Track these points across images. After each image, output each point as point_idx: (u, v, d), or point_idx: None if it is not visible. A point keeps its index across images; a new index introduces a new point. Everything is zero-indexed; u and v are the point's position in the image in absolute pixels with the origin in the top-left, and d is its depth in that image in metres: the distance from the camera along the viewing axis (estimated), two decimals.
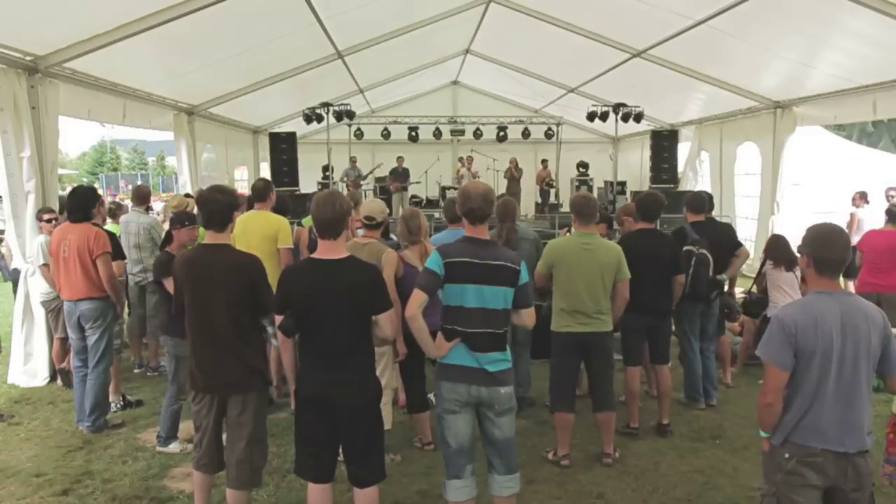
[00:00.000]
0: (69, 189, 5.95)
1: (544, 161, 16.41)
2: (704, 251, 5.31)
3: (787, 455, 2.66)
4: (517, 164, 16.15)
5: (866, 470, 2.62)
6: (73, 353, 5.33)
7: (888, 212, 6.40)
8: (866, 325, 2.58)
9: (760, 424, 2.78)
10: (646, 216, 5.17)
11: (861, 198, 9.58)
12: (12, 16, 5.71)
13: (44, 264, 5.74)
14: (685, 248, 5.33)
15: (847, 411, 2.58)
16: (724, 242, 5.67)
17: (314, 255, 3.24)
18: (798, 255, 3.15)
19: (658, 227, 5.36)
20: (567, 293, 4.42)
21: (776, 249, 6.09)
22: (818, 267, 2.65)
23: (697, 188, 13.31)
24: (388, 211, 4.67)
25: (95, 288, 5.08)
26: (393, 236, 5.52)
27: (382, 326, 3.20)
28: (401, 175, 15.72)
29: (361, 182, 15.11)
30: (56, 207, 6.27)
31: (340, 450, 3.24)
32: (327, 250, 3.15)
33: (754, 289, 6.58)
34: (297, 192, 13.11)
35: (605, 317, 4.45)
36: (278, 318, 3.17)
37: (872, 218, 9.03)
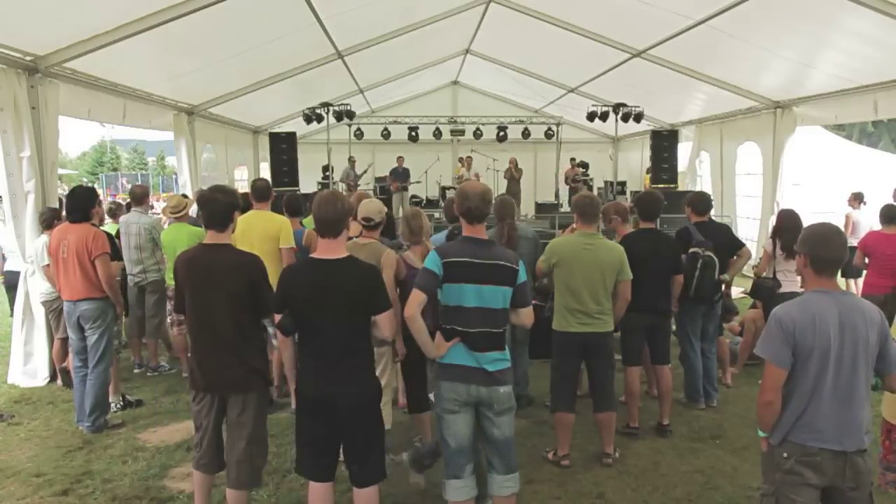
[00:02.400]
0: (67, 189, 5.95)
1: (573, 159, 16.29)
2: (710, 253, 5.29)
3: (785, 454, 2.66)
4: (517, 164, 16.14)
5: (864, 469, 2.62)
6: (74, 353, 5.33)
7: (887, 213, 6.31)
8: (864, 324, 2.58)
9: (759, 424, 2.78)
10: (646, 216, 5.16)
11: (855, 199, 9.55)
12: (12, 16, 5.72)
13: (48, 265, 5.74)
14: (691, 249, 5.31)
15: (845, 410, 2.58)
16: (725, 243, 5.65)
17: (314, 255, 3.25)
18: (796, 253, 3.14)
19: (658, 227, 5.35)
20: (568, 292, 4.41)
21: (789, 230, 5.61)
22: (816, 266, 2.65)
23: (698, 188, 13.31)
24: (385, 211, 4.66)
25: (95, 288, 5.08)
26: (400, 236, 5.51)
27: (381, 327, 3.19)
28: (401, 175, 15.72)
29: (359, 183, 15.10)
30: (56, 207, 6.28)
31: (341, 449, 3.24)
32: (327, 250, 3.15)
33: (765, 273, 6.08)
34: (298, 193, 13.10)
35: (607, 317, 4.44)
36: (277, 317, 3.17)
37: (868, 219, 9.02)
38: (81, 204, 5.13)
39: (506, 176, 16.08)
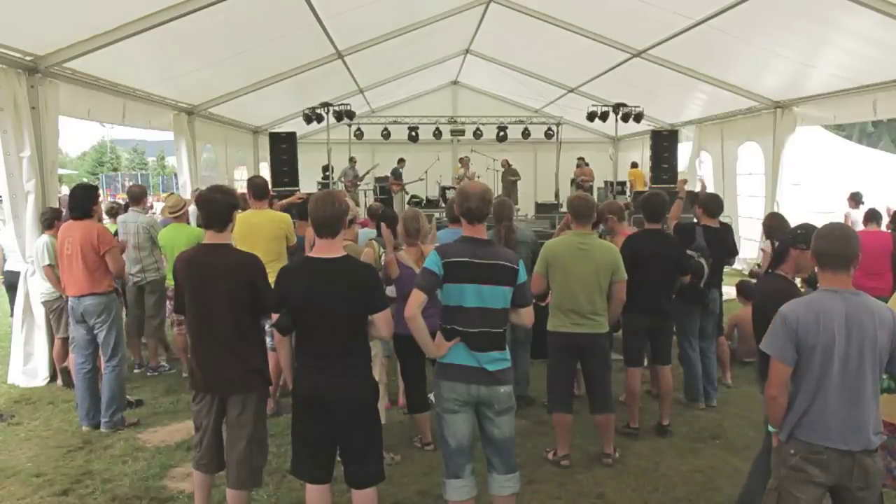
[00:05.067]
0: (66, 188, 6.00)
1: (581, 159, 16.26)
2: (702, 261, 5.27)
3: (792, 451, 2.67)
4: (509, 164, 16.13)
5: (874, 469, 2.61)
6: (77, 349, 5.28)
7: (871, 213, 6.31)
8: (873, 323, 2.57)
9: (769, 419, 2.80)
10: (651, 217, 5.14)
11: (853, 199, 9.55)
12: (12, 16, 5.72)
13: (48, 265, 5.74)
14: (688, 251, 5.29)
15: (851, 409, 2.58)
16: (729, 248, 5.67)
17: (311, 254, 3.26)
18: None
19: (662, 228, 5.32)
20: (563, 292, 4.39)
21: (779, 227, 5.92)
22: (819, 261, 2.68)
23: (698, 188, 13.28)
24: (349, 207, 4.69)
25: (97, 284, 5.10)
26: None
27: (378, 326, 3.19)
28: (399, 175, 15.75)
29: (359, 183, 15.10)
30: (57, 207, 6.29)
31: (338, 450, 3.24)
32: (324, 249, 3.15)
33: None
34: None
35: (600, 317, 4.41)
36: (275, 317, 3.17)
37: None
38: (82, 201, 5.16)
39: (503, 180, 16.02)
